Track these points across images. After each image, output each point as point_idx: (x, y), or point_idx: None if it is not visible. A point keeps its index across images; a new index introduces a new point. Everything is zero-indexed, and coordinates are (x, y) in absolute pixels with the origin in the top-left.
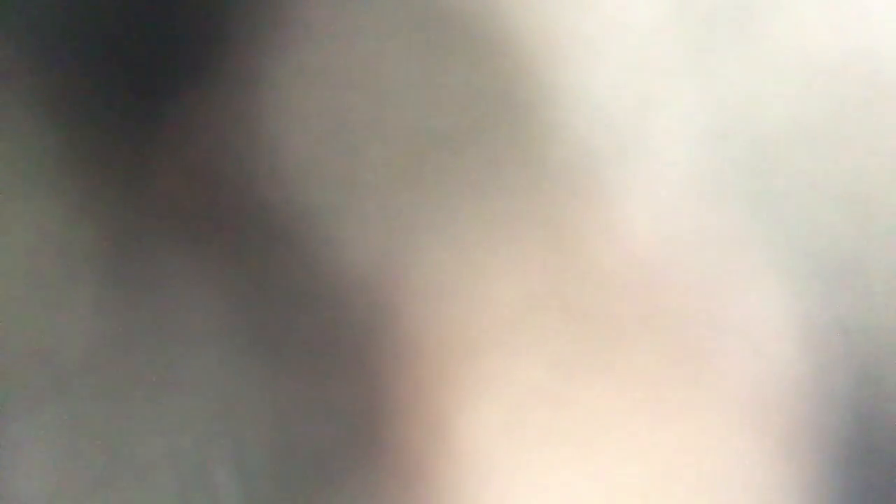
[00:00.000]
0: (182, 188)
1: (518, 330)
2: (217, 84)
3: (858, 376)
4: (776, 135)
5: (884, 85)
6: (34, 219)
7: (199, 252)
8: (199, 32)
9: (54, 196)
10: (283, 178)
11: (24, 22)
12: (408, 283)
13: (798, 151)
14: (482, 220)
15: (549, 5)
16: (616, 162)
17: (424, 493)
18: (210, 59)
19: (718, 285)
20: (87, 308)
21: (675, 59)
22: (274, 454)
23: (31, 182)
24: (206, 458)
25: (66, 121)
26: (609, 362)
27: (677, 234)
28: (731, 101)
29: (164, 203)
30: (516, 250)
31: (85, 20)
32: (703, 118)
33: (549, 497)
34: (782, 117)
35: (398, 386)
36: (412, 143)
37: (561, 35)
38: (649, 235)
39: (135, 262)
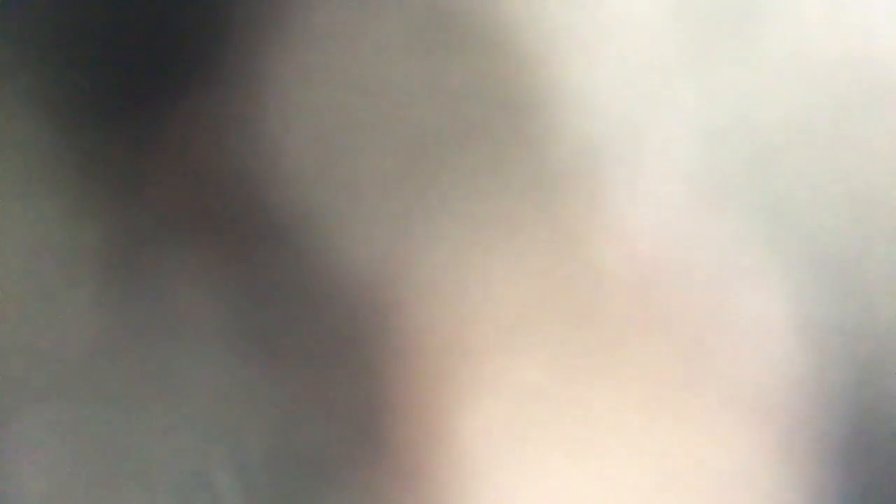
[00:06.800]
0: (182, 188)
1: (518, 330)
2: (217, 84)
3: (858, 376)
4: (776, 135)
5: (884, 85)
6: (34, 219)
7: (198, 252)
8: (199, 33)
9: (54, 196)
10: (283, 179)
11: (24, 22)
12: (408, 283)
13: (798, 151)
14: (482, 220)
15: (549, 5)
16: (616, 162)
17: (424, 493)
18: (210, 60)
19: (718, 285)
20: (87, 308)
21: (675, 58)
22: (274, 455)
23: (31, 182)
24: (205, 458)
25: (66, 121)
26: (609, 362)
27: (677, 234)
28: (731, 101)
29: (164, 203)
30: (517, 250)
31: (85, 20)
32: (703, 118)
33: (548, 497)
34: (782, 117)
35: (398, 386)
36: (412, 143)
37: (561, 35)
38: (649, 235)
39: (134, 263)
